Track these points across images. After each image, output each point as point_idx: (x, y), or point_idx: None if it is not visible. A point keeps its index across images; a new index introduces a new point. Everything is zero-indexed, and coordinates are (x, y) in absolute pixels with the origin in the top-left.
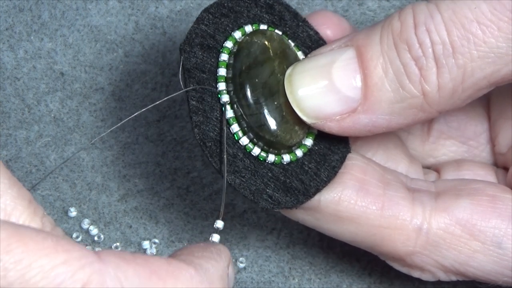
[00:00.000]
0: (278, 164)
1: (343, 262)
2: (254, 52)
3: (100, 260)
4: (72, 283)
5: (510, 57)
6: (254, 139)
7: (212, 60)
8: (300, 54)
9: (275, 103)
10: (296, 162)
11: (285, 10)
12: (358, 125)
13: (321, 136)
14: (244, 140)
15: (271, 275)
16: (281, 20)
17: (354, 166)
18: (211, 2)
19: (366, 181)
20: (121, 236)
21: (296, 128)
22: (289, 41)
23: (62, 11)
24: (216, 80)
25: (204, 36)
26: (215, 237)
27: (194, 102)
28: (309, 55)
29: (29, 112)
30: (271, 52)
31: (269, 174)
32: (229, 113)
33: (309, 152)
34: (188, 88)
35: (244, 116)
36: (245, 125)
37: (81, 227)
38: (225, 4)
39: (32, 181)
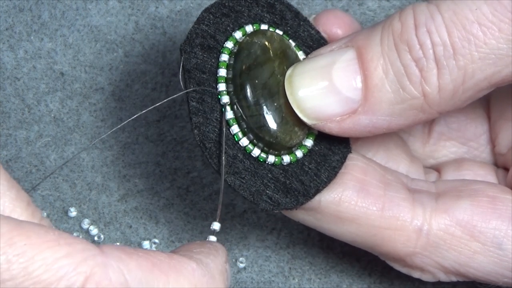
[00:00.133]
0: (278, 165)
1: (343, 262)
2: (254, 52)
3: (103, 253)
4: (75, 276)
5: (510, 58)
6: (254, 140)
7: (213, 60)
8: (301, 54)
9: (275, 104)
10: (296, 163)
11: (287, 9)
12: (358, 126)
13: (322, 137)
14: (244, 141)
15: (271, 275)
16: (282, 19)
17: (355, 166)
18: (212, 2)
19: (367, 182)
20: (121, 236)
21: (296, 129)
22: (290, 41)
23: (62, 11)
24: (216, 80)
25: (205, 36)
26: (212, 239)
27: (194, 103)
28: (309, 56)
29: (29, 112)
30: (271, 52)
31: (269, 175)
32: (229, 114)
33: (309, 153)
34: (188, 90)
35: (244, 117)
36: (245, 126)
37: (81, 227)
38: (226, 4)
39: (32, 181)
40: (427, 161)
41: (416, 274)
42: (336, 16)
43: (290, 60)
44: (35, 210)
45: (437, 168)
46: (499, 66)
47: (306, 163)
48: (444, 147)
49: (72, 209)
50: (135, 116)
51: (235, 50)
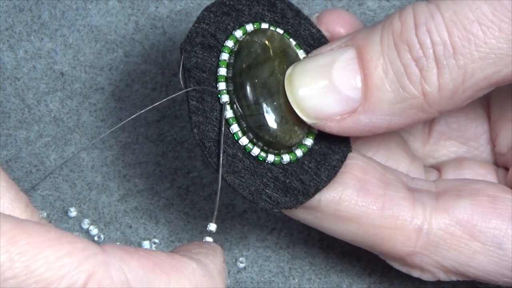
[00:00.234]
0: (277, 164)
1: (343, 262)
2: (254, 51)
3: (104, 252)
4: (77, 274)
5: (510, 58)
6: (254, 139)
7: (213, 59)
8: (301, 53)
9: (275, 103)
10: (296, 162)
11: (287, 8)
12: (358, 125)
13: (322, 136)
14: (244, 140)
15: (271, 275)
16: (283, 18)
17: (355, 165)
18: (212, 2)
19: (367, 181)
20: (121, 236)
21: (296, 128)
22: (290, 39)
23: (62, 11)
24: (216, 79)
25: (205, 35)
26: (208, 240)
27: (194, 102)
28: (309, 55)
29: (29, 112)
30: (271, 51)
31: (269, 174)
32: (229, 113)
33: (309, 152)
34: (188, 89)
35: (244, 116)
36: (245, 125)
37: (81, 227)
38: (227, 3)
39: (32, 181)
40: (427, 160)
41: (416, 274)
42: (339, 15)
43: (290, 59)
44: (34, 211)
45: (437, 168)
46: (499, 66)
47: (306, 162)
48: (444, 147)
49: (72, 209)
50: (134, 115)
51: (236, 49)
